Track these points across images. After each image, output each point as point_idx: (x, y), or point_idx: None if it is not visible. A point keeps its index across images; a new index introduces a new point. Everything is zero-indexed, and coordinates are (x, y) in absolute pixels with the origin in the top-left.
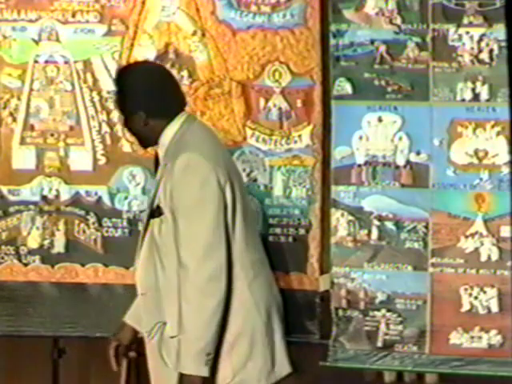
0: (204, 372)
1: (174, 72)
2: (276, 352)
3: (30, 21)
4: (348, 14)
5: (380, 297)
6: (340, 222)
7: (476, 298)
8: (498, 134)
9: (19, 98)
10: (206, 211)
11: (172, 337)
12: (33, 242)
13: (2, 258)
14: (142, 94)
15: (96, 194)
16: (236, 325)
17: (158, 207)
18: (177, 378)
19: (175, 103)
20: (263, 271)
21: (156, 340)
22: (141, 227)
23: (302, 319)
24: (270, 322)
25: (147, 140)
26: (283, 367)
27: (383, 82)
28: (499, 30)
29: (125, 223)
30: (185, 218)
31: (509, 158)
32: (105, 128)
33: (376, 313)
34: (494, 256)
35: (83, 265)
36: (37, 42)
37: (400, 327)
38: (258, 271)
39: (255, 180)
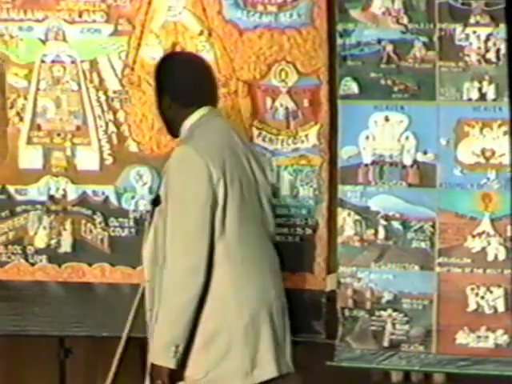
0: (171, 364)
1: None
2: (259, 355)
3: (37, 21)
4: (355, 13)
5: (386, 296)
6: (347, 221)
7: (482, 297)
8: (505, 133)
9: (26, 98)
10: (193, 205)
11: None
12: (40, 241)
13: (9, 257)
14: (172, 78)
15: (103, 193)
16: (214, 322)
17: (158, 196)
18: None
19: (203, 96)
20: (257, 274)
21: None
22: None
23: (309, 319)
24: (255, 324)
25: (172, 126)
26: (266, 371)
27: (390, 82)
28: (505, 30)
29: (131, 223)
30: (172, 209)
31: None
32: (111, 128)
33: (382, 312)
34: (501, 256)
35: (90, 264)
36: (43, 42)
37: (406, 327)
38: (249, 272)
39: None
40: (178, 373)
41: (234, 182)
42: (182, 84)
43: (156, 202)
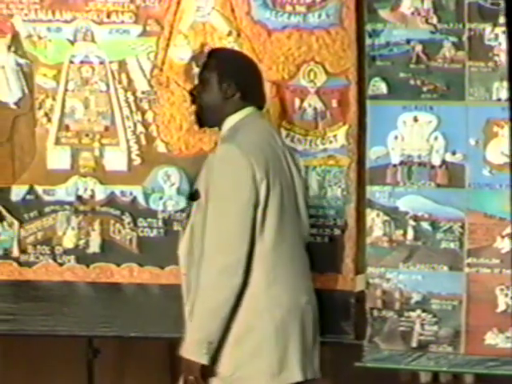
0: (203, 359)
1: None
2: (287, 358)
3: (65, 21)
4: (384, 13)
5: (415, 297)
6: (375, 222)
7: None
8: None
9: (54, 99)
10: (235, 204)
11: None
12: (68, 241)
13: (38, 257)
14: (242, 69)
15: (131, 194)
16: (246, 321)
17: (197, 191)
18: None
19: (258, 97)
20: (290, 277)
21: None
22: (176, 227)
23: (337, 319)
24: (285, 327)
25: (214, 116)
26: (292, 374)
27: (419, 82)
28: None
29: (160, 223)
30: (213, 206)
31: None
32: (140, 128)
33: (411, 313)
34: None
35: (118, 265)
36: (72, 43)
37: (435, 328)
38: (282, 275)
39: None
40: (209, 369)
41: (275, 183)
42: (248, 77)
43: (193, 196)
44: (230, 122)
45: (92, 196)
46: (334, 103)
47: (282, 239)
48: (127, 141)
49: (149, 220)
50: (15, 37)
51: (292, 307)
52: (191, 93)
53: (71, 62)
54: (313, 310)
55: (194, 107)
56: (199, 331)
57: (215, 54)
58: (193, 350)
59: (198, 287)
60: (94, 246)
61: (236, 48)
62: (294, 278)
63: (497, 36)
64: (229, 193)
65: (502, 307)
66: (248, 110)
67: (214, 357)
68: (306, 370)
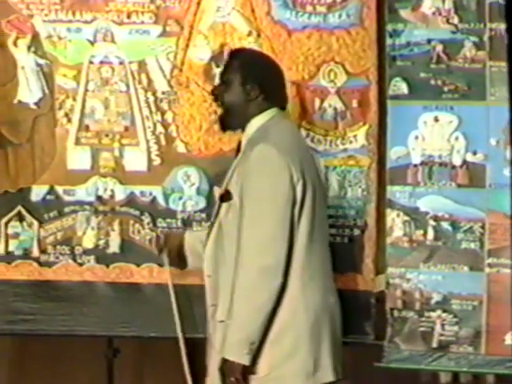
0: (245, 360)
1: None
2: (321, 358)
3: (85, 22)
4: (404, 13)
5: (436, 297)
6: (396, 222)
7: None
8: None
9: (74, 99)
10: (274, 204)
11: (221, 321)
12: (88, 241)
13: (58, 257)
14: (266, 70)
15: (151, 194)
16: (282, 320)
17: (229, 192)
18: (220, 361)
19: (279, 97)
20: (321, 277)
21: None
22: (196, 227)
23: (357, 320)
24: (318, 327)
25: (238, 119)
26: (326, 374)
27: (440, 82)
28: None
29: (179, 223)
30: (252, 208)
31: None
32: (159, 128)
33: (431, 313)
34: None
35: (138, 265)
36: (92, 43)
37: (456, 328)
38: (315, 275)
39: None
40: (248, 369)
41: (309, 183)
42: (271, 78)
43: (224, 197)
44: (256, 123)
45: (112, 196)
46: (355, 103)
47: (313, 239)
48: (147, 141)
49: (168, 220)
50: (35, 37)
51: (324, 307)
52: (213, 92)
53: (91, 63)
54: (339, 310)
55: (218, 110)
56: (240, 332)
57: (237, 54)
58: (234, 351)
59: (236, 288)
60: (114, 246)
61: (256, 48)
62: (324, 278)
63: None
64: (267, 193)
65: None
66: (273, 111)
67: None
68: (338, 370)
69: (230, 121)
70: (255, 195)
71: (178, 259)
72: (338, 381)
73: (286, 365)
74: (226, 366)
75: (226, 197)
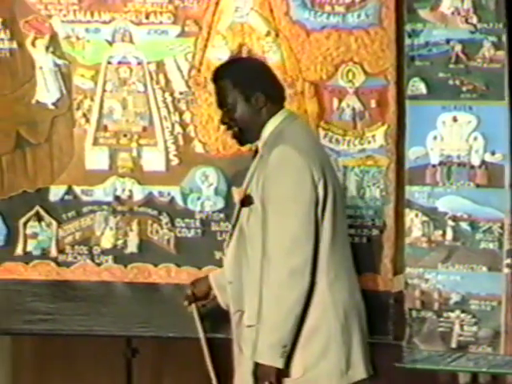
0: (279, 363)
1: None
2: (352, 355)
3: (104, 22)
4: (423, 13)
5: (454, 298)
6: (414, 222)
7: None
8: None
9: (92, 99)
10: (298, 205)
11: (249, 326)
12: (106, 242)
13: (76, 257)
14: (258, 76)
15: (169, 194)
16: (312, 320)
17: (249, 196)
18: (252, 366)
19: (281, 97)
20: (346, 275)
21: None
22: (214, 227)
23: (376, 320)
24: (348, 324)
25: (252, 131)
26: (358, 371)
27: (458, 82)
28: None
29: (197, 223)
30: (275, 209)
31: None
32: (177, 129)
33: (450, 314)
34: None
35: (156, 265)
36: (110, 44)
37: (474, 328)
38: (340, 273)
39: None
40: (282, 372)
41: (329, 182)
42: (269, 81)
43: (245, 202)
44: (270, 126)
45: (130, 196)
46: (373, 103)
47: (335, 238)
48: (165, 141)
49: (186, 220)
50: (53, 37)
51: (352, 304)
52: (223, 122)
53: (109, 63)
54: (364, 308)
55: (230, 132)
56: (272, 335)
57: (223, 74)
58: (267, 355)
59: (265, 291)
60: (132, 246)
61: (275, 48)
62: (350, 276)
63: None
64: (290, 194)
65: None
66: (283, 113)
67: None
68: (368, 367)
69: (248, 137)
70: (278, 196)
71: (209, 301)
72: (370, 377)
73: (320, 365)
74: (259, 371)
75: (246, 201)
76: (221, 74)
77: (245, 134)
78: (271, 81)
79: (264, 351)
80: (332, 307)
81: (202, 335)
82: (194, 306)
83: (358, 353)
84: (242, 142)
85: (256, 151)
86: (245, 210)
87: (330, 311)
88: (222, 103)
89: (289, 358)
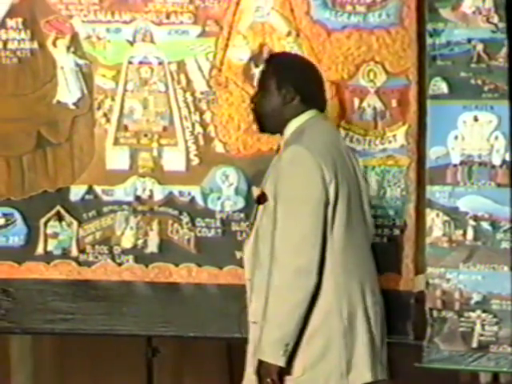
0: (281, 361)
1: None
2: (355, 358)
3: (125, 22)
4: (445, 12)
5: (475, 297)
6: (435, 222)
7: None
8: None
9: (113, 99)
10: (307, 205)
11: (253, 322)
12: (127, 241)
13: (96, 257)
14: (300, 73)
15: (189, 194)
16: (314, 321)
17: (264, 194)
18: (256, 364)
19: (317, 99)
20: (357, 279)
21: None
22: (234, 227)
23: (397, 320)
24: (353, 327)
25: (275, 122)
26: (361, 375)
27: (480, 82)
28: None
29: (218, 223)
30: (284, 208)
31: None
32: (198, 129)
33: (471, 313)
34: None
35: (177, 265)
36: (131, 44)
37: (495, 328)
38: (350, 277)
39: None
40: (284, 370)
41: (343, 183)
42: (307, 81)
43: (260, 199)
44: (293, 125)
45: (150, 196)
46: (394, 103)
47: (350, 239)
48: (185, 141)
49: (207, 220)
50: (74, 38)
51: (359, 307)
52: (252, 100)
53: (130, 63)
54: (380, 311)
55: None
56: (275, 333)
57: (272, 59)
58: (270, 352)
59: (271, 289)
60: (152, 246)
61: (295, 48)
62: (361, 278)
63: None
64: (299, 194)
65: None
66: (310, 113)
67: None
68: (376, 371)
69: (268, 124)
70: (287, 196)
71: None
72: (383, 381)
73: (319, 365)
74: (261, 368)
75: (261, 199)
76: (270, 59)
77: (265, 121)
78: (312, 84)
79: (266, 349)
80: (336, 310)
81: None
82: None
83: (363, 356)
84: (260, 128)
85: (278, 150)
86: (259, 208)
87: (333, 313)
88: (258, 84)
89: (291, 357)
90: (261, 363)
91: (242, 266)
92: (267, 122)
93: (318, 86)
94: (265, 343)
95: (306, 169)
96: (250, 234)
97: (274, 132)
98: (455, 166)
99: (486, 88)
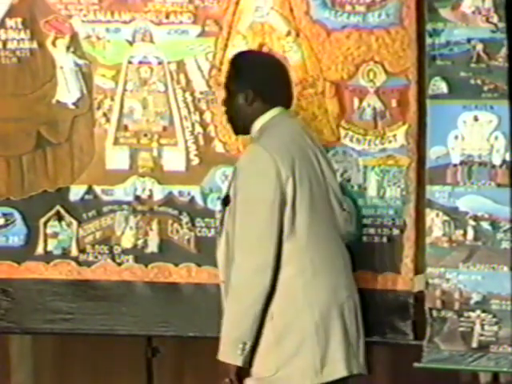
0: (238, 361)
1: None
2: (329, 354)
3: (124, 22)
4: (444, 12)
5: (475, 297)
6: (435, 222)
7: None
8: None
9: (113, 99)
10: (261, 205)
11: None
12: (126, 241)
13: (96, 257)
14: (258, 73)
15: (189, 194)
16: (284, 320)
17: (228, 196)
18: None
19: (281, 97)
20: (327, 275)
21: None
22: None
23: (396, 320)
24: (325, 323)
25: (242, 123)
26: (336, 369)
27: (479, 81)
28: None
29: (218, 223)
30: (240, 208)
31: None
32: (198, 129)
33: (471, 313)
34: None
35: (176, 264)
36: (130, 43)
37: (495, 328)
38: (319, 273)
39: (349, 180)
40: (244, 370)
41: (303, 181)
42: (268, 80)
43: (226, 201)
44: (257, 125)
45: (150, 196)
46: (394, 103)
47: (316, 236)
48: (185, 141)
49: (206, 220)
50: (74, 37)
51: (331, 303)
52: (223, 103)
53: (130, 63)
54: (354, 306)
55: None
56: (232, 333)
57: (234, 61)
58: (227, 352)
59: (229, 289)
60: (152, 246)
61: (295, 48)
62: (332, 273)
63: None
64: (254, 194)
65: None
66: (273, 112)
67: (252, 357)
68: (351, 365)
69: (238, 126)
70: (243, 196)
71: None
72: (359, 375)
73: (293, 363)
74: (221, 368)
75: (226, 201)
76: (232, 61)
77: (234, 123)
78: (274, 82)
79: (224, 349)
80: (306, 307)
81: None
82: None
83: (337, 351)
84: (233, 130)
85: None
86: (226, 209)
87: (303, 311)
88: (225, 86)
89: (259, 357)
90: (222, 364)
91: None
92: (236, 123)
93: (281, 84)
94: (223, 343)
95: (261, 167)
96: (221, 238)
97: (244, 133)
98: (455, 165)
99: (485, 88)
